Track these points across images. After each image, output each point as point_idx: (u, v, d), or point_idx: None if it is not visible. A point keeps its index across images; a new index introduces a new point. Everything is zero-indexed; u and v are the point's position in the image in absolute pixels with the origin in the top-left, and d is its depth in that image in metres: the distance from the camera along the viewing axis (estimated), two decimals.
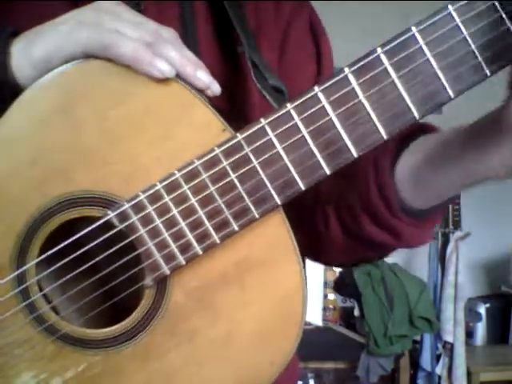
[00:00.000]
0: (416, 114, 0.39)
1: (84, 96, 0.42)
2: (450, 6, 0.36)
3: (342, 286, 2.89)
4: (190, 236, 0.42)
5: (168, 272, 0.42)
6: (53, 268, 0.43)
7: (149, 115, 0.42)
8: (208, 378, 0.43)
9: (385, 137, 0.40)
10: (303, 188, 0.41)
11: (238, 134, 0.41)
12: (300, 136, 0.40)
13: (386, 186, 0.50)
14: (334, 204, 0.55)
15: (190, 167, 0.41)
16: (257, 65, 0.52)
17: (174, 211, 0.42)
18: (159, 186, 0.41)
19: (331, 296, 3.05)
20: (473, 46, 0.37)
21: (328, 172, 0.41)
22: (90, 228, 0.42)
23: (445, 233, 2.76)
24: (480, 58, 0.37)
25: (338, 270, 3.06)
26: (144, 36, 0.42)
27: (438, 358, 2.69)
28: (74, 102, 0.42)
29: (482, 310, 3.04)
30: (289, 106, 0.40)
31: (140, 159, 0.42)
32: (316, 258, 0.61)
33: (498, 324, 3.07)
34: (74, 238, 0.42)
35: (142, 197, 0.41)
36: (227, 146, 0.41)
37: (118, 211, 0.42)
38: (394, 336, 2.54)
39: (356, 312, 2.78)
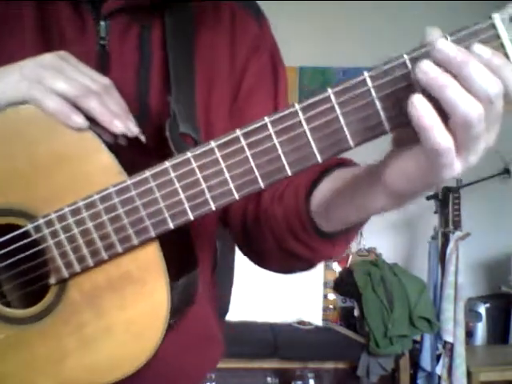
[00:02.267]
0: (319, 159, 0.48)
1: (20, 133, 0.55)
2: (365, 73, 0.44)
3: (342, 286, 2.89)
4: (85, 251, 0.53)
5: (67, 275, 0.54)
6: None
7: (65, 154, 0.54)
8: (93, 359, 0.56)
9: (290, 173, 0.49)
10: (172, 227, 0.52)
11: (127, 179, 0.52)
12: (174, 187, 0.51)
13: (301, 211, 0.61)
14: (268, 222, 0.67)
15: (90, 199, 0.53)
16: (175, 113, 0.62)
17: (75, 230, 0.53)
18: (66, 210, 0.53)
19: (331, 296, 3.05)
20: (379, 107, 0.45)
21: (192, 217, 0.51)
22: (13, 234, 0.55)
23: (445, 233, 2.77)
24: (383, 117, 0.45)
25: (338, 269, 3.07)
26: (71, 90, 0.53)
27: (438, 358, 2.69)
28: (9, 137, 0.55)
29: (482, 310, 3.04)
30: (168, 163, 0.51)
31: (57, 187, 0.54)
32: (259, 264, 0.74)
33: (498, 324, 3.08)
34: (4, 238, 0.56)
35: (53, 215, 0.53)
36: (119, 186, 0.52)
37: (35, 224, 0.54)
38: (394, 336, 2.54)
39: (356, 312, 2.78)
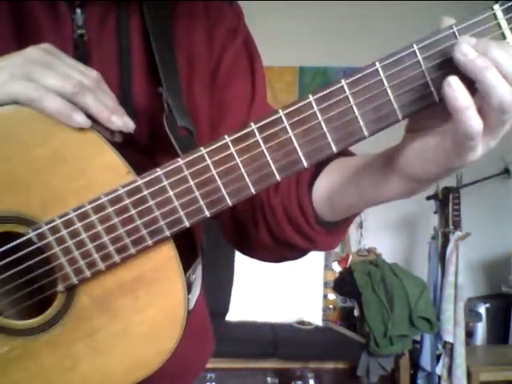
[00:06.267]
0: (334, 150, 0.48)
1: (13, 135, 0.51)
2: (377, 63, 0.45)
3: (342, 286, 2.89)
4: (95, 255, 0.51)
5: (76, 282, 0.52)
6: None
7: (67, 155, 0.51)
8: (107, 364, 0.54)
9: (306, 165, 0.49)
10: (188, 225, 0.50)
11: (138, 179, 0.50)
12: (188, 185, 0.49)
13: (303, 201, 0.61)
14: (262, 212, 0.66)
15: (99, 201, 0.50)
16: (170, 106, 0.60)
17: (84, 235, 0.50)
18: (72, 215, 0.50)
19: (331, 296, 3.05)
20: (391, 96, 0.46)
21: (208, 214, 0.50)
22: (15, 242, 0.51)
23: (445, 233, 2.77)
24: (396, 106, 0.46)
25: (337, 269, 3.06)
26: (67, 87, 0.50)
27: (438, 358, 2.70)
28: (2, 139, 0.51)
29: (482, 310, 3.05)
30: (181, 161, 0.49)
31: (57, 190, 0.51)
32: (247, 254, 0.73)
33: (498, 324, 3.08)
34: (4, 248, 0.52)
35: (58, 221, 0.50)
36: (130, 187, 0.50)
37: (38, 232, 0.51)
38: (394, 336, 2.54)
39: (356, 312, 2.78)
